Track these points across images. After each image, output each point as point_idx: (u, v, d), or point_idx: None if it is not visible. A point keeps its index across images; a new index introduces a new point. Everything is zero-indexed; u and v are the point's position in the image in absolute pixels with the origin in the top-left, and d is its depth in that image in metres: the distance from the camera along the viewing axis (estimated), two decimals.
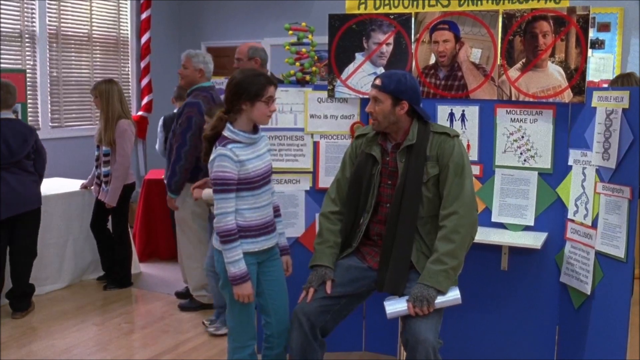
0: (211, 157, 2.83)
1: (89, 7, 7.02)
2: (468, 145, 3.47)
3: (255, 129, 2.94)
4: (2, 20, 6.06)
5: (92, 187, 5.22)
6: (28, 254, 4.62)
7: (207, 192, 3.82)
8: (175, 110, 5.20)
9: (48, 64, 6.58)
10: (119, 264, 5.20)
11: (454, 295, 2.80)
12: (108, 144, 4.89)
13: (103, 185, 4.98)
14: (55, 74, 6.68)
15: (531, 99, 3.34)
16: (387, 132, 2.99)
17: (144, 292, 5.14)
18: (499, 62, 3.39)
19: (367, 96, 3.54)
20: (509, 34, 3.35)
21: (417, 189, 2.89)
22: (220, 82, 6.06)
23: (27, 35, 6.35)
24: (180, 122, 4.35)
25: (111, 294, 5.08)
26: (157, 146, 5.75)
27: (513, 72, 3.36)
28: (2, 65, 5.96)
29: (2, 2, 6.03)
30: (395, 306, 2.80)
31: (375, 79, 2.98)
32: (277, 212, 3.12)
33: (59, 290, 5.16)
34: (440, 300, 2.76)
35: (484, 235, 3.31)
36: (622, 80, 4.77)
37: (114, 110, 4.88)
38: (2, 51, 6.07)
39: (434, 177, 2.90)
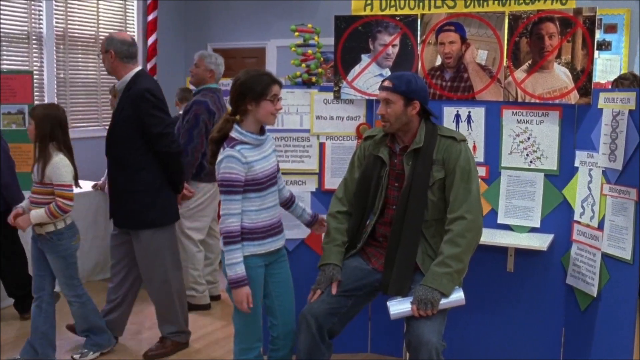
0: (219, 158, 2.83)
1: (95, 9, 7.04)
2: (474, 147, 3.47)
3: (261, 130, 2.94)
4: (9, 21, 6.09)
5: (106, 187, 5.25)
6: (9, 257, 4.46)
7: (35, 214, 3.51)
8: (180, 112, 5.23)
9: (55, 65, 6.60)
10: None
11: (457, 296, 2.80)
12: None
13: None
14: (62, 75, 6.70)
15: (537, 101, 3.34)
16: (397, 133, 2.99)
17: None
18: (505, 64, 3.39)
19: (373, 97, 3.55)
20: (515, 36, 3.35)
21: (423, 193, 2.89)
22: (227, 84, 6.08)
23: (34, 37, 6.37)
24: (188, 119, 4.46)
25: None
26: None
27: (519, 74, 3.36)
28: (9, 66, 5.99)
29: (9, 3, 6.06)
30: (399, 307, 2.80)
31: (384, 81, 2.98)
32: (292, 199, 3.18)
33: None
34: (444, 301, 2.76)
35: (490, 237, 3.30)
36: (633, 84, 4.66)
37: None
38: (9, 52, 6.09)
39: (440, 180, 2.90)
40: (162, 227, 3.80)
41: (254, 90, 2.83)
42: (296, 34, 3.74)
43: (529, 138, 3.39)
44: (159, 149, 3.65)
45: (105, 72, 7.12)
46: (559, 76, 3.28)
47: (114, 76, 3.78)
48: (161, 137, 3.63)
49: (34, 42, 6.39)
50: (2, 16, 5.99)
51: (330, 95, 3.67)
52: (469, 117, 3.49)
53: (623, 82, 4.61)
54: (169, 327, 3.97)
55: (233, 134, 2.85)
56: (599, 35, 6.07)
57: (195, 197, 4.55)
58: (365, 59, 3.61)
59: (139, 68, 3.79)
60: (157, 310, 3.98)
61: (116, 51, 3.69)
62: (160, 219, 3.78)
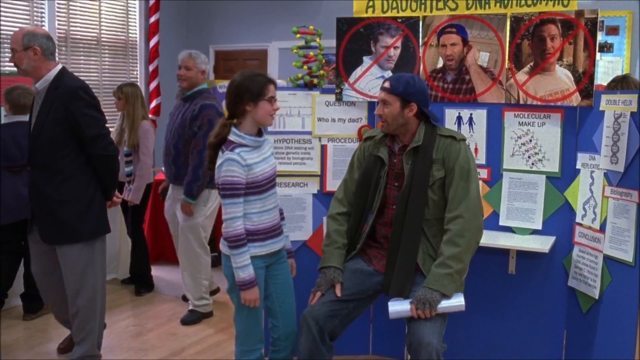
0: (218, 162, 2.83)
1: (97, 11, 7.05)
2: (476, 149, 3.47)
3: (259, 132, 2.95)
4: (11, 23, 6.10)
5: None
6: None
7: None
8: None
9: None
10: (142, 264, 5.24)
11: (458, 301, 2.79)
12: (132, 145, 4.94)
13: (126, 184, 5.02)
14: None
15: (539, 103, 3.34)
16: (395, 134, 2.99)
17: (152, 295, 5.15)
18: (506, 66, 3.39)
19: (374, 99, 3.55)
20: (517, 37, 3.35)
21: (423, 191, 2.89)
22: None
23: None
24: (200, 125, 4.21)
25: (119, 296, 5.10)
26: None
27: (521, 76, 3.36)
28: (11, 68, 5.99)
29: (10, 4, 6.07)
30: (398, 306, 2.80)
31: (384, 82, 2.99)
32: (281, 215, 3.12)
33: None
34: (443, 304, 2.76)
35: (492, 239, 3.30)
36: (620, 84, 4.65)
37: (138, 112, 4.98)
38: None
39: (440, 179, 2.91)
40: (94, 240, 3.41)
41: (251, 91, 2.84)
42: (298, 35, 3.75)
43: (530, 140, 3.39)
44: (94, 152, 3.30)
45: (107, 74, 7.17)
46: (561, 78, 3.28)
47: (31, 76, 3.35)
48: (97, 139, 3.29)
49: None
50: (3, 17, 6.00)
51: (332, 97, 3.67)
52: (470, 119, 3.49)
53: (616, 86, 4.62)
54: (82, 347, 3.49)
55: (231, 137, 2.86)
56: (600, 37, 6.07)
57: (210, 203, 4.46)
58: (367, 61, 3.62)
59: (61, 66, 3.42)
60: (76, 326, 3.48)
61: (42, 47, 3.31)
62: (93, 231, 3.39)
